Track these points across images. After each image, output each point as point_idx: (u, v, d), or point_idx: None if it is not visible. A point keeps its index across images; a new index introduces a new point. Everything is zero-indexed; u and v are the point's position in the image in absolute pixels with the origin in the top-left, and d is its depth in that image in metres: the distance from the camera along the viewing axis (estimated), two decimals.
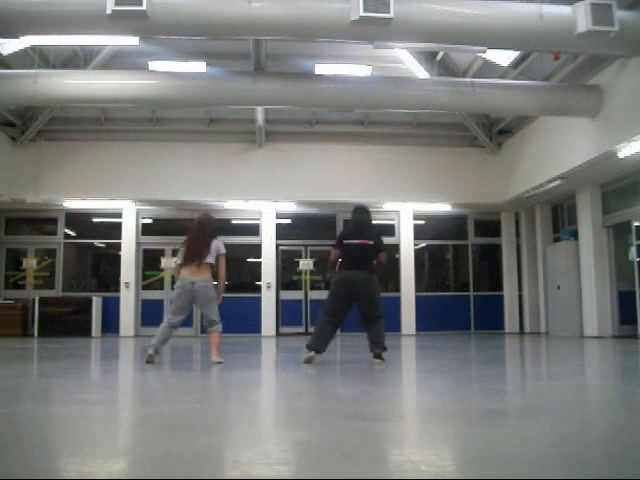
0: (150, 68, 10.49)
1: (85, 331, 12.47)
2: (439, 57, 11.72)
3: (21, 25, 7.42)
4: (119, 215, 13.59)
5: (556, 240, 13.05)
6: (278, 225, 13.83)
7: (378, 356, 5.78)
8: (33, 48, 10.10)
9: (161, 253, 13.73)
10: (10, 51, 10.17)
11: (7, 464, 2.00)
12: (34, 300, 12.71)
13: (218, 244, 6.01)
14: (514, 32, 7.90)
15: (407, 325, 13.60)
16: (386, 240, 6.29)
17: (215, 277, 6.02)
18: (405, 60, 11.77)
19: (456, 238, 14.63)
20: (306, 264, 13.98)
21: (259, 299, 13.51)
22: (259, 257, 13.66)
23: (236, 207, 13.40)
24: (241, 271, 14.59)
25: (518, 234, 14.17)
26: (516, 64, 10.77)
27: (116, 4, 6.96)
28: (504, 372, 5.76)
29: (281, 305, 13.80)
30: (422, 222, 14.27)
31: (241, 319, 12.96)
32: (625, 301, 10.92)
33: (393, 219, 14.03)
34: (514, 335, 13.06)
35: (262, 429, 2.87)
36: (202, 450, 2.20)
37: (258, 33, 8.18)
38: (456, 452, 2.32)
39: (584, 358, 7.51)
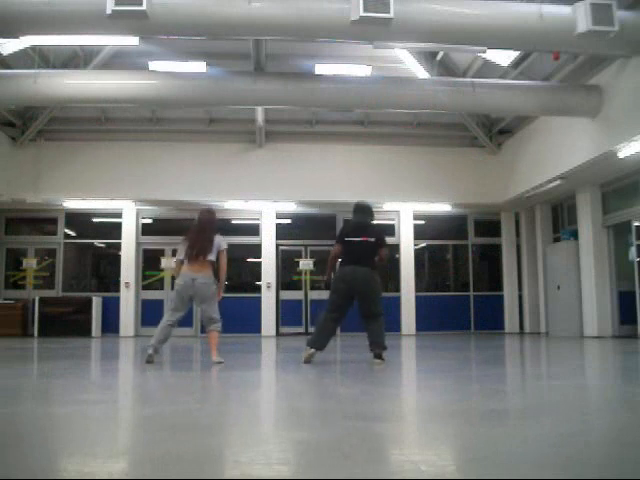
0: (150, 68, 10.49)
1: (85, 331, 12.47)
2: (439, 57, 11.72)
3: (21, 25, 7.42)
4: (119, 215, 13.59)
5: (556, 240, 13.05)
6: (278, 225, 13.83)
7: (378, 356, 5.78)
8: (33, 48, 10.10)
9: (161, 253, 13.74)
10: (10, 51, 10.17)
11: (7, 464, 2.00)
12: (34, 300, 12.71)
13: (220, 240, 5.99)
14: (514, 32, 7.90)
15: (407, 325, 13.60)
16: (386, 240, 6.28)
17: (216, 274, 6.00)
18: (405, 60, 11.77)
19: (456, 238, 14.63)
20: (306, 264, 13.98)
21: (259, 299, 13.51)
22: (259, 257, 13.66)
23: (236, 207, 13.40)
24: (241, 271, 14.59)
25: (518, 234, 14.17)
26: (516, 64, 10.77)
27: (116, 4, 6.96)
28: (504, 372, 5.76)
29: (281, 305, 13.81)
30: (422, 222, 14.27)
31: (241, 319, 12.96)
32: (625, 301, 10.92)
33: (393, 219, 14.03)
34: (514, 335, 13.06)
35: (262, 429, 2.87)
36: (202, 450, 2.20)
37: (258, 33, 8.19)
38: (456, 452, 2.32)
39: (584, 358, 7.51)
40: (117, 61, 11.42)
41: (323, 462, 2.07)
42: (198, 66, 10.52)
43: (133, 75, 9.57)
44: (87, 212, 13.78)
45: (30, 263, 13.67)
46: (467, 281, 14.43)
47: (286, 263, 14.11)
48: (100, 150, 12.92)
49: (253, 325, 13.26)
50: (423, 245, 14.59)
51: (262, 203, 13.46)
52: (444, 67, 11.98)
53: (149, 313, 13.11)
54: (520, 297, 14.03)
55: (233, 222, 13.70)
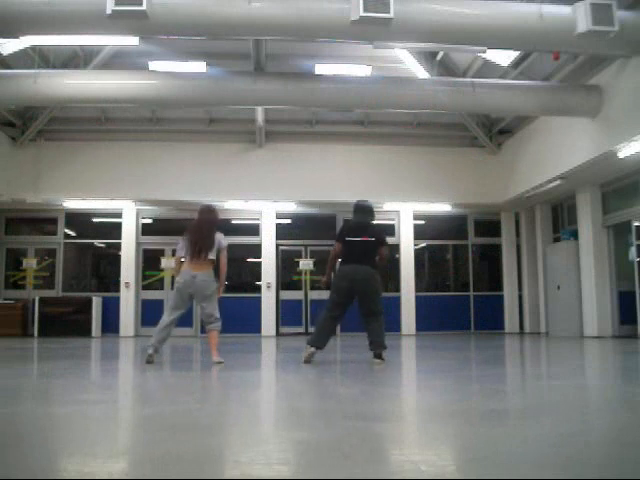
0: (150, 68, 10.49)
1: (85, 331, 12.47)
2: (439, 57, 11.72)
3: (21, 25, 7.43)
4: (119, 215, 13.59)
5: (556, 240, 13.05)
6: (278, 225, 13.83)
7: (378, 356, 5.78)
8: (33, 48, 10.10)
9: (161, 253, 13.74)
10: (10, 51, 10.17)
11: (7, 464, 2.00)
12: (34, 300, 12.71)
13: (220, 238, 5.99)
14: (514, 32, 7.90)
15: (407, 325, 13.60)
16: (386, 239, 6.28)
17: (216, 272, 5.99)
18: (405, 60, 11.77)
19: (456, 238, 14.63)
20: (306, 264, 13.98)
21: (259, 299, 13.52)
22: (259, 257, 13.66)
23: (236, 207, 13.40)
24: (241, 271, 14.59)
25: (518, 234, 14.18)
26: (516, 64, 10.77)
27: (116, 4, 6.96)
28: (504, 372, 5.76)
29: (281, 305, 13.81)
30: (422, 222, 14.27)
31: (241, 319, 12.96)
32: (625, 301, 10.92)
33: (393, 219, 14.03)
34: (514, 335, 13.06)
35: (262, 429, 2.87)
36: (202, 450, 2.20)
37: (258, 33, 8.19)
38: (456, 452, 2.32)
39: (584, 358, 7.51)
40: (117, 61, 11.42)
41: (323, 462, 2.07)
42: (198, 66, 10.52)
43: (133, 75, 9.57)
44: (87, 212, 13.78)
45: (30, 263, 13.67)
46: (467, 281, 14.43)
47: (286, 263, 14.11)
48: (100, 150, 12.92)
49: (253, 325, 13.26)
50: (423, 245, 14.60)
51: (262, 203, 13.46)
52: (444, 67, 11.98)
53: (149, 313, 13.10)
54: (520, 297, 14.03)
55: (233, 222, 13.69)
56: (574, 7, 7.65)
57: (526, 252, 13.86)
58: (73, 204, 13.20)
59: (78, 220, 14.02)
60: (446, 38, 8.00)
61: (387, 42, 8.11)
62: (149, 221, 14.03)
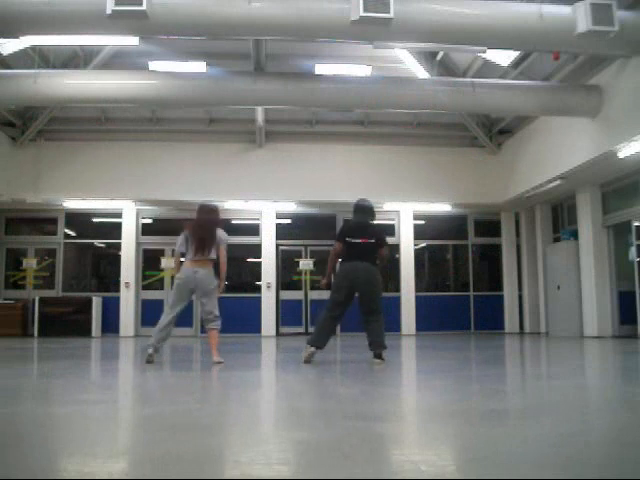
0: (150, 68, 10.49)
1: (85, 331, 12.47)
2: (439, 57, 11.72)
3: (21, 25, 7.43)
4: (119, 215, 13.59)
5: (556, 240, 13.05)
6: (278, 225, 13.83)
7: (378, 356, 5.77)
8: (33, 48, 10.10)
9: (161, 253, 13.74)
10: (10, 51, 10.17)
11: (7, 464, 2.00)
12: (34, 300, 12.71)
13: (221, 234, 5.99)
14: (514, 32, 7.90)
15: (407, 325, 13.60)
16: (386, 240, 6.28)
17: (216, 269, 5.99)
18: (405, 60, 11.77)
19: (456, 238, 14.63)
20: (306, 264, 13.98)
21: (259, 299, 13.52)
22: (259, 257, 13.66)
23: (236, 207, 13.40)
24: (241, 271, 14.59)
25: (518, 234, 14.18)
26: (516, 64, 10.77)
27: (116, 4, 6.96)
28: (504, 372, 5.76)
29: (281, 305, 13.81)
30: (422, 222, 14.27)
31: (241, 319, 12.96)
32: (625, 301, 10.92)
33: (393, 219, 14.03)
34: (514, 335, 13.06)
35: (262, 429, 2.87)
36: (202, 450, 2.20)
37: (258, 33, 8.18)
38: (456, 452, 2.32)
39: (584, 358, 7.51)
40: (117, 61, 11.42)
41: (323, 462, 2.07)
42: (198, 66, 10.52)
43: (133, 75, 9.57)
44: (87, 212, 13.79)
45: (30, 263, 13.67)
46: (467, 281, 14.43)
47: (286, 263, 14.11)
48: (100, 150, 12.92)
49: (253, 325, 13.26)
50: (423, 245, 14.60)
51: (262, 203, 13.46)
52: (444, 67, 11.98)
53: (149, 313, 13.10)
54: (520, 297, 14.03)
55: (233, 222, 13.69)
56: (574, 7, 7.65)
57: (526, 252, 13.86)
58: (73, 204, 13.20)
59: (78, 220, 14.03)
60: (446, 38, 8.00)
61: (387, 42, 8.11)
62: (149, 221, 14.03)
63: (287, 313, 13.81)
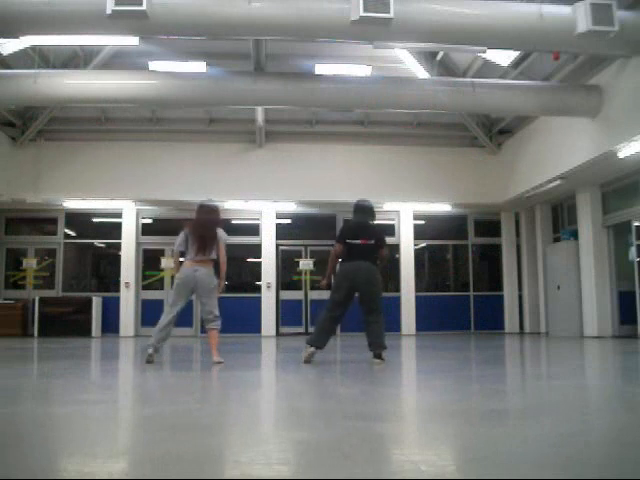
0: (150, 68, 10.49)
1: (85, 331, 12.47)
2: (439, 57, 11.72)
3: (21, 25, 7.43)
4: (119, 215, 13.59)
5: (556, 240, 13.05)
6: (278, 225, 13.83)
7: (378, 356, 5.77)
8: (33, 48, 10.10)
9: (161, 253, 13.73)
10: (10, 51, 10.17)
11: (7, 464, 2.00)
12: (34, 300, 12.71)
13: (220, 233, 5.99)
14: (514, 32, 7.90)
15: (407, 325, 13.60)
16: (386, 240, 6.28)
17: (216, 269, 5.99)
18: (405, 60, 11.77)
19: (456, 238, 14.63)
20: (306, 264, 13.98)
21: (259, 299, 13.52)
22: (259, 257, 13.66)
23: (236, 207, 13.39)
24: (241, 271, 14.59)
25: (518, 234, 14.18)
26: (516, 64, 10.77)
27: (116, 4, 6.96)
28: (504, 372, 5.76)
29: (281, 305, 13.81)
30: (422, 222, 14.27)
31: (241, 319, 12.96)
32: (625, 301, 10.92)
33: (393, 219, 14.03)
34: (514, 335, 13.06)
35: (262, 429, 2.87)
36: (202, 450, 2.20)
37: (258, 33, 8.19)
38: (456, 452, 2.32)
39: (584, 358, 7.51)
40: (117, 61, 11.42)
41: (323, 462, 2.07)
42: (198, 66, 10.52)
43: (133, 75, 9.57)
44: (87, 212, 13.79)
45: (30, 263, 13.67)
46: (467, 281, 14.43)
47: (286, 263, 14.11)
48: (100, 150, 12.92)
49: (253, 325, 13.26)
50: (423, 245, 14.60)
51: (262, 203, 13.46)
52: (444, 67, 11.98)
53: (149, 313, 13.10)
54: (520, 297, 14.03)
55: (233, 222, 13.69)
56: (574, 7, 7.65)
57: (526, 252, 13.86)
58: (73, 204, 13.20)
59: (78, 220, 14.03)
60: (446, 38, 8.00)
61: (387, 42, 8.11)
62: (149, 221, 14.03)
63: (287, 313, 13.81)
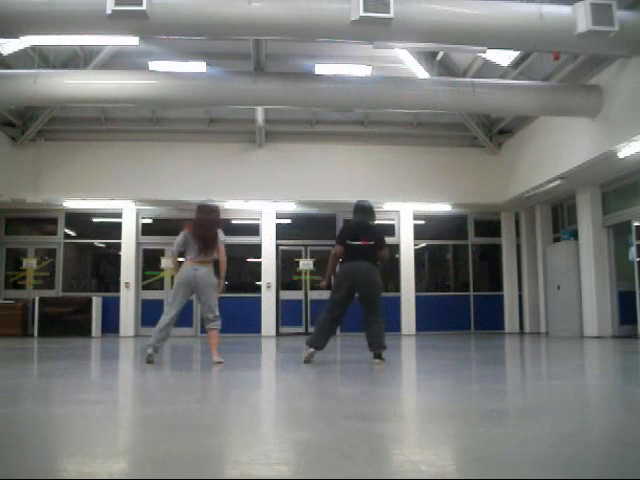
0: (150, 68, 10.49)
1: (85, 331, 12.47)
2: (439, 57, 11.72)
3: (21, 25, 7.43)
4: (119, 215, 13.59)
5: (556, 240, 13.05)
6: (278, 225, 13.83)
7: (378, 356, 5.78)
8: (33, 48, 10.10)
9: (161, 253, 13.73)
10: (10, 51, 10.17)
11: (7, 464, 2.00)
12: (34, 300, 12.71)
13: (219, 234, 6.00)
14: (514, 32, 7.90)
15: (407, 325, 13.60)
16: (386, 240, 6.28)
17: (216, 269, 5.99)
18: (405, 60, 11.77)
19: (456, 238, 14.63)
20: (306, 264, 13.98)
21: (259, 299, 13.52)
22: (259, 257, 13.66)
23: (236, 207, 13.39)
24: (241, 271, 14.59)
25: (518, 234, 14.18)
26: (516, 64, 10.77)
27: (116, 4, 6.96)
28: (504, 372, 5.76)
29: (281, 305, 13.81)
30: (422, 222, 14.27)
31: (241, 319, 12.96)
32: (625, 301, 10.92)
33: (393, 219, 14.03)
34: (514, 335, 13.06)
35: (262, 429, 2.87)
36: (202, 450, 2.20)
37: (258, 33, 8.19)
38: (456, 452, 2.32)
39: (584, 358, 7.51)
40: (117, 61, 11.42)
41: (323, 462, 2.07)
42: (198, 66, 10.52)
43: (133, 75, 9.57)
44: (87, 212, 13.79)
45: (30, 263, 13.67)
46: (467, 281, 14.43)
47: (286, 263, 14.11)
48: (100, 150, 12.92)
49: (253, 325, 13.26)
50: (423, 245, 14.60)
51: (262, 203, 13.46)
52: (444, 67, 11.98)
53: (149, 313, 13.10)
54: (520, 297, 14.03)
55: (233, 222, 13.69)
56: (574, 7, 7.65)
57: (526, 252, 13.86)
58: (73, 204, 13.20)
59: (78, 220, 14.03)
60: (446, 38, 8.00)
61: (387, 42, 8.11)
62: (149, 221, 14.03)
63: (287, 313, 13.81)
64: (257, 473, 1.95)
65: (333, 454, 2.16)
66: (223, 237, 6.02)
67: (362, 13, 7.22)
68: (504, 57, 10.30)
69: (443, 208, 13.89)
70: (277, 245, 13.81)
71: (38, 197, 12.63)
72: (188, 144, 13.18)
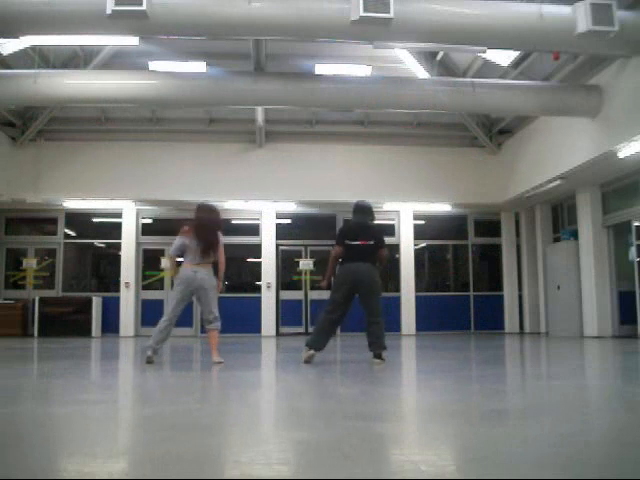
0: (150, 68, 10.50)
1: (85, 331, 12.47)
2: (439, 57, 11.72)
3: (21, 25, 7.43)
4: (119, 215, 13.59)
5: (556, 240, 13.05)
6: (278, 225, 13.83)
7: (378, 356, 5.78)
8: (33, 48, 10.10)
9: (161, 253, 13.71)
10: (10, 51, 10.17)
11: (7, 464, 2.00)
12: (34, 300, 12.71)
13: (219, 236, 6.01)
14: (514, 32, 7.90)
15: (407, 325, 13.60)
16: (386, 240, 6.28)
17: (215, 268, 5.99)
18: (405, 60, 11.77)
19: (456, 238, 14.63)
20: (306, 264, 13.98)
21: (259, 299, 13.51)
22: (259, 257, 13.66)
23: (236, 207, 13.40)
24: (241, 271, 14.59)
25: (518, 234, 14.18)
26: (516, 64, 10.77)
27: (116, 4, 6.96)
28: (504, 372, 5.76)
29: (281, 305, 13.81)
30: (422, 222, 14.27)
31: (241, 319, 12.96)
32: (625, 301, 10.92)
33: (393, 219, 14.03)
34: (514, 335, 13.06)
35: (262, 429, 2.87)
36: (202, 450, 2.20)
37: (258, 33, 8.18)
38: (456, 452, 2.32)
39: (584, 358, 7.51)
40: (117, 61, 11.42)
41: (323, 462, 2.07)
42: (198, 66, 10.52)
43: (133, 75, 9.57)
44: (87, 212, 13.79)
45: (30, 263, 13.67)
46: (467, 281, 14.43)
47: (286, 263, 14.11)
48: (100, 150, 12.92)
49: (253, 325, 13.26)
50: (423, 245, 14.59)
51: (262, 203, 13.46)
52: (444, 67, 11.98)
53: (149, 313, 13.10)
54: (520, 297, 14.03)
55: (233, 222, 13.69)
56: (574, 7, 7.65)
57: (526, 252, 13.86)
58: (73, 204, 13.20)
59: (78, 220, 14.03)
60: (446, 38, 8.00)
61: (387, 42, 8.11)
62: (149, 221, 14.03)
63: (287, 313, 13.81)
64: (257, 473, 1.95)
65: (333, 454, 2.16)
66: (221, 239, 6.02)
67: (362, 13, 7.22)
68: (504, 57, 10.30)
69: (443, 208, 13.89)
70: (277, 245, 13.81)
71: (38, 197, 12.63)
72: (188, 144, 13.18)
